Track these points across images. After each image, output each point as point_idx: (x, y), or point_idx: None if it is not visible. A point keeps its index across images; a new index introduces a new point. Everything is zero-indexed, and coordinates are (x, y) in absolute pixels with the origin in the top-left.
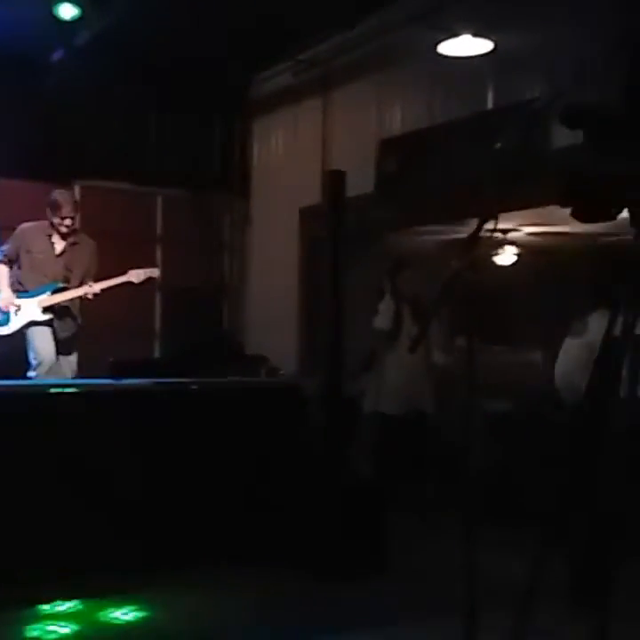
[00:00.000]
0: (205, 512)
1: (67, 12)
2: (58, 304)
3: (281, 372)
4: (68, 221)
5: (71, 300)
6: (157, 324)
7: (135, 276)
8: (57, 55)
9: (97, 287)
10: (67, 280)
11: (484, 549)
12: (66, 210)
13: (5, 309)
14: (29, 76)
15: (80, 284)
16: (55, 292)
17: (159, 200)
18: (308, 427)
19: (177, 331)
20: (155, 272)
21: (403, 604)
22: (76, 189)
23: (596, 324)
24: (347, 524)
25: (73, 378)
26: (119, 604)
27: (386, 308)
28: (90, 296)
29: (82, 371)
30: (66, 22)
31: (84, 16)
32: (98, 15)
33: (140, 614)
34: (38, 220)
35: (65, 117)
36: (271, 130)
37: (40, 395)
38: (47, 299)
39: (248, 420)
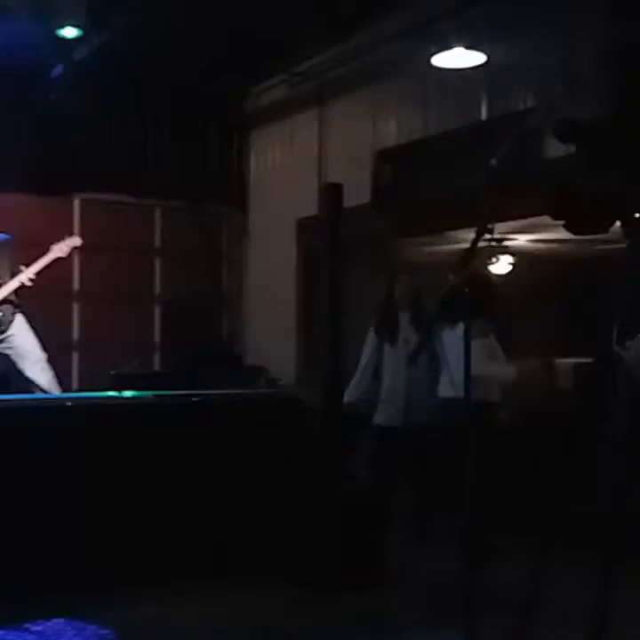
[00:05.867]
0: (205, 523)
1: (69, 32)
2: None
3: (280, 383)
4: None
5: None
6: (157, 337)
7: (59, 250)
8: (58, 71)
9: (29, 272)
10: None
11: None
12: None
13: None
14: (31, 92)
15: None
16: None
17: (158, 212)
18: (308, 437)
19: (176, 343)
20: (75, 240)
21: (401, 614)
22: (76, 202)
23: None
24: (345, 535)
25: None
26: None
27: (383, 315)
28: (27, 283)
29: (83, 383)
30: (67, 40)
31: (85, 36)
32: (98, 34)
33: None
34: (41, 232)
35: (66, 131)
36: (268, 142)
37: (42, 408)
38: None
39: (248, 430)
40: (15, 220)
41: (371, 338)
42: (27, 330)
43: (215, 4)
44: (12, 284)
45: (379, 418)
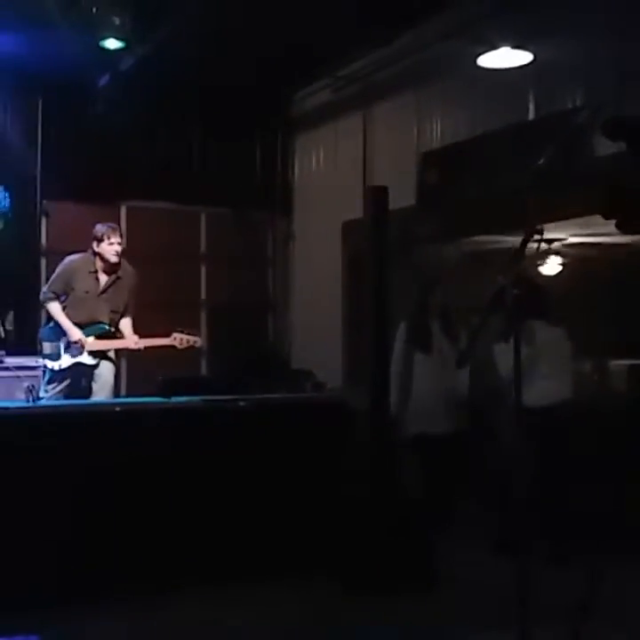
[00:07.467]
0: (254, 527)
1: (112, 44)
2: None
3: (328, 387)
4: (116, 248)
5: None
6: (204, 342)
7: (179, 341)
8: (104, 82)
9: (142, 344)
10: (112, 322)
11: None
12: (115, 239)
13: (80, 344)
14: (78, 103)
15: (121, 317)
16: (100, 336)
17: (203, 218)
18: (355, 441)
19: (223, 347)
20: (197, 342)
21: (455, 618)
22: (123, 210)
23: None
24: (393, 539)
25: None
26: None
27: (416, 323)
28: (133, 347)
29: (131, 388)
30: (111, 52)
31: (129, 46)
32: (141, 44)
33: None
34: (88, 240)
35: (112, 140)
36: (312, 146)
37: (91, 413)
38: (92, 343)
39: (295, 435)
40: (67, 229)
41: (400, 348)
42: (109, 370)
43: (257, 10)
44: (120, 343)
45: (418, 426)
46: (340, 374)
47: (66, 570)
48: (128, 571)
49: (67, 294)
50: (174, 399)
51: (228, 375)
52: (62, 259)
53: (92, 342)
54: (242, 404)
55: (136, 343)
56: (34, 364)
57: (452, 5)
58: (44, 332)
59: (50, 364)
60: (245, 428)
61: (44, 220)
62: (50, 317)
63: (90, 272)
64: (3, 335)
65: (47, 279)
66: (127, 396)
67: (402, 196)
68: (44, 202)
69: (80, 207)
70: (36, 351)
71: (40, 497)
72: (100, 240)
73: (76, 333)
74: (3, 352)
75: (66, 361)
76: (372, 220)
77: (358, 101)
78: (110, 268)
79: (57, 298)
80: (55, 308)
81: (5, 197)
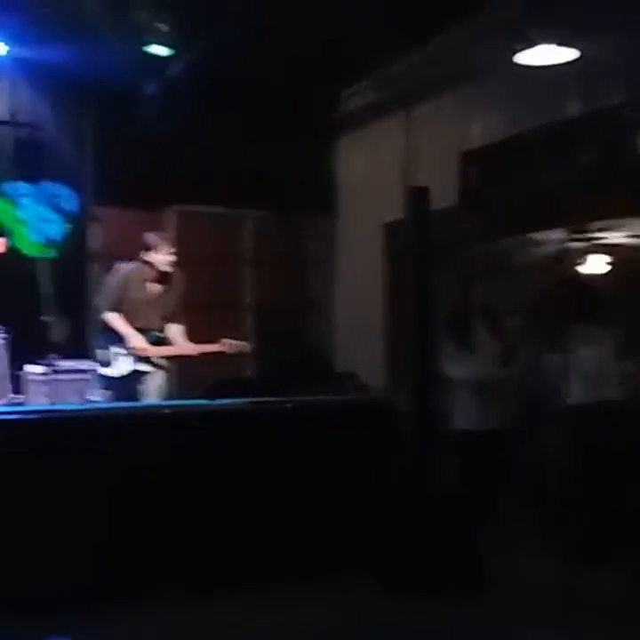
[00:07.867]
0: (302, 529)
1: (160, 50)
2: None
3: (370, 388)
4: (169, 257)
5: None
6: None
7: (228, 346)
8: (152, 87)
9: (195, 350)
10: (161, 329)
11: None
12: (168, 248)
13: (143, 353)
14: (128, 109)
15: (168, 323)
16: (154, 344)
17: (249, 221)
18: (399, 442)
19: (268, 350)
20: (247, 347)
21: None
22: (172, 214)
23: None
24: (437, 540)
25: None
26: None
27: (456, 319)
28: (188, 353)
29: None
30: (159, 58)
31: (177, 52)
32: (190, 49)
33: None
34: (138, 245)
35: (160, 146)
36: (354, 147)
37: (138, 415)
38: (151, 350)
39: (340, 435)
40: (117, 234)
41: (445, 347)
42: (159, 375)
43: (302, 12)
44: (178, 350)
45: (464, 426)
46: (383, 376)
47: (100, 570)
48: (161, 572)
49: (122, 303)
50: (221, 401)
51: (272, 377)
52: (113, 264)
53: (151, 350)
54: (288, 405)
55: (189, 348)
56: (85, 367)
57: (492, 3)
58: (100, 340)
59: (106, 371)
60: (292, 429)
61: (94, 225)
62: (104, 327)
63: (143, 281)
64: (56, 339)
65: (98, 284)
66: (173, 398)
67: (443, 197)
68: (95, 207)
69: (130, 212)
70: (86, 355)
71: (87, 497)
72: (152, 249)
73: (139, 341)
74: (55, 356)
75: (123, 368)
76: (414, 221)
77: (400, 101)
78: (162, 277)
79: (115, 308)
80: (115, 318)
81: (74, 200)
